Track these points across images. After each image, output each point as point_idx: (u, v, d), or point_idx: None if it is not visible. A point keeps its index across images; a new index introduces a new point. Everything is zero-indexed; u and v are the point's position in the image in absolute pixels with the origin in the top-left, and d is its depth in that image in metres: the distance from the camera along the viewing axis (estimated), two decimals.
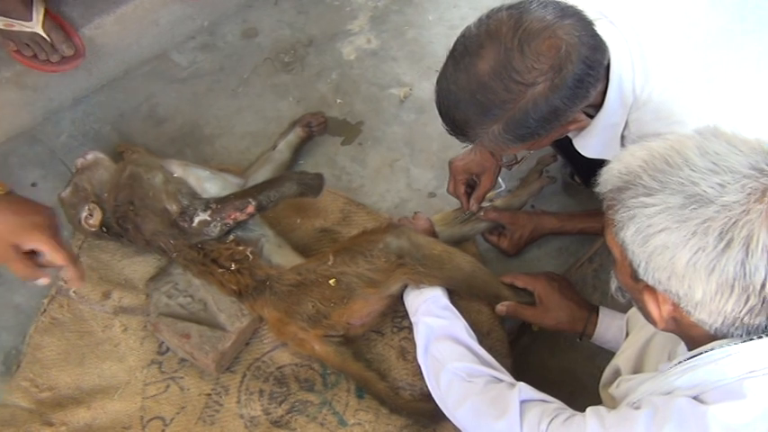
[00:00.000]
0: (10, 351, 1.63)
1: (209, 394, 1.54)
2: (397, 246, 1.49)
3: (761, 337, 0.93)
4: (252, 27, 2.18)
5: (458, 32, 2.09)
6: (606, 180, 0.99)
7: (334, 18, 2.20)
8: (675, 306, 0.94)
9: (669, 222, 0.88)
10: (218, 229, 1.54)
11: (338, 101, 2.04)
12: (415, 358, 1.52)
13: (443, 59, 2.04)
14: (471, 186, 1.69)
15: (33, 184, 1.86)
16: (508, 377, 1.29)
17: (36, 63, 1.77)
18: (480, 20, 1.17)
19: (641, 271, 0.94)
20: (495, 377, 1.28)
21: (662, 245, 0.89)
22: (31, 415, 1.52)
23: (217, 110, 2.01)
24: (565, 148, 1.55)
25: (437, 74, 2.02)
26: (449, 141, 1.27)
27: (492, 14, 1.16)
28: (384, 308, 1.54)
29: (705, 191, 0.87)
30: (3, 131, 1.90)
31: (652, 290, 0.95)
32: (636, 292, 1.01)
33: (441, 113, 1.23)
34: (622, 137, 1.33)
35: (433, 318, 1.41)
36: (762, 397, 0.92)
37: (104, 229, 1.63)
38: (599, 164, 1.42)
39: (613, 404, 1.18)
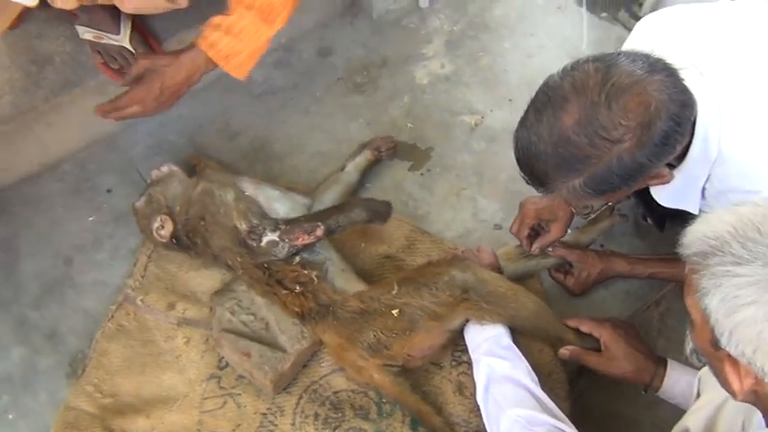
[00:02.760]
0: (77, 354, 1.67)
1: (265, 414, 1.55)
2: (461, 280, 1.48)
3: None
4: (327, 46, 2.20)
5: (534, 61, 2.14)
6: (691, 242, 0.95)
7: (408, 41, 2.21)
8: (758, 380, 0.90)
9: (759, 295, 0.85)
10: (286, 250, 1.56)
11: (409, 125, 2.04)
12: (472, 395, 1.51)
13: (517, 88, 2.08)
14: (535, 230, 1.67)
15: (109, 191, 1.91)
16: (570, 428, 1.26)
17: (121, 77, 1.82)
18: (565, 70, 1.14)
19: (724, 340, 0.90)
20: (557, 427, 1.25)
21: (750, 318, 0.86)
22: (93, 419, 1.56)
23: (288, 127, 2.03)
24: (638, 189, 1.51)
25: (510, 103, 2.06)
26: (518, 173, 1.25)
27: (577, 66, 1.13)
28: (445, 341, 1.54)
29: None
30: (83, 138, 1.96)
31: (734, 361, 0.92)
32: (715, 360, 0.97)
33: (519, 162, 1.21)
34: (703, 189, 1.29)
35: (495, 358, 1.39)
36: None
37: (174, 240, 1.67)
38: (673, 208, 1.39)
39: None
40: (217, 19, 1.56)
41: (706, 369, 1.31)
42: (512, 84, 2.10)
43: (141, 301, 1.71)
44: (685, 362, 1.23)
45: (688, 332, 1.04)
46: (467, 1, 2.28)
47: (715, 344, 0.93)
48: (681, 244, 0.97)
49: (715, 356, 0.96)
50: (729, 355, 0.92)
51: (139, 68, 1.58)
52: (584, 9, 2.21)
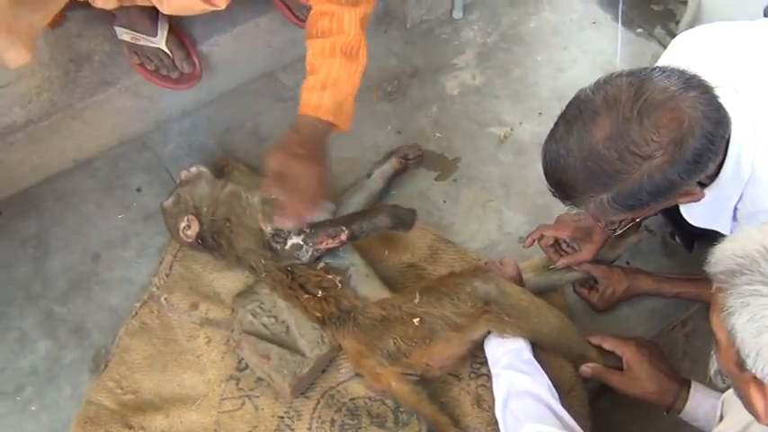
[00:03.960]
0: (100, 350, 1.69)
1: (282, 417, 1.56)
2: (484, 291, 1.47)
3: None
4: None
5: (565, 75, 2.13)
6: (718, 260, 0.93)
7: (441, 51, 2.21)
8: None
9: None
10: (310, 254, 1.56)
11: (437, 135, 2.03)
12: (490, 407, 1.49)
13: (548, 101, 2.07)
14: (559, 243, 1.67)
15: (138, 189, 1.94)
16: None
17: (156, 78, 1.86)
18: (597, 84, 1.13)
19: (750, 362, 0.88)
20: None
21: None
22: (112, 415, 1.58)
23: None
24: (668, 207, 1.49)
25: (540, 116, 2.05)
26: (545, 187, 1.24)
27: (610, 80, 1.12)
28: (465, 353, 1.53)
29: None
30: (116, 137, 1.99)
31: (760, 383, 0.90)
32: (739, 382, 0.95)
33: (546, 175, 1.20)
34: (735, 209, 1.27)
35: (515, 372, 1.38)
36: None
37: (200, 241, 1.68)
38: (702, 227, 1.37)
39: None
40: (308, 82, 1.52)
41: (730, 391, 1.28)
42: (542, 97, 2.09)
43: (165, 299, 1.73)
44: (710, 384, 1.20)
45: (713, 353, 1.02)
46: (501, 13, 2.28)
47: (740, 365, 0.91)
48: (708, 262, 0.96)
49: (740, 378, 0.94)
50: (755, 377, 0.90)
51: (274, 170, 1.49)
52: (619, 24, 2.20)
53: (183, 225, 1.68)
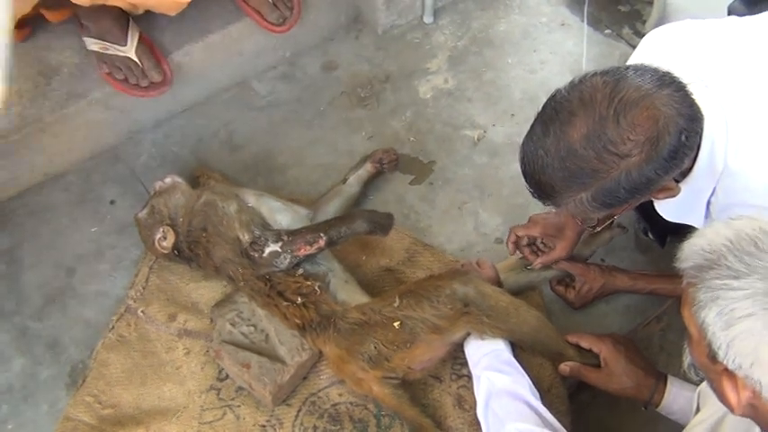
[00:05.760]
0: (77, 365, 1.67)
1: (264, 426, 1.55)
2: (463, 293, 1.48)
3: None
4: (332, 60, 2.21)
5: (536, 77, 2.15)
6: (688, 256, 0.95)
7: (412, 56, 2.22)
8: (756, 394, 0.90)
9: (756, 308, 0.85)
10: (288, 261, 1.56)
11: (411, 139, 2.04)
12: (471, 408, 1.50)
13: (519, 103, 2.09)
14: (536, 245, 1.68)
15: (112, 202, 1.92)
16: None
17: (125, 86, 1.84)
18: (572, 84, 1.14)
19: (721, 354, 0.90)
20: None
21: (746, 331, 0.86)
22: (92, 431, 1.56)
23: (291, 140, 2.04)
24: (640, 204, 1.52)
25: (512, 118, 2.08)
26: (520, 187, 1.25)
27: (585, 80, 1.13)
28: (445, 355, 1.54)
29: None
30: (88, 149, 1.97)
31: (731, 374, 0.92)
32: (712, 374, 0.97)
33: (525, 176, 1.21)
34: (708, 202, 1.29)
35: (495, 372, 1.38)
36: None
37: (176, 252, 1.67)
38: (675, 223, 1.39)
39: None
40: None
41: (705, 383, 1.31)
42: (514, 99, 2.11)
43: (142, 312, 1.71)
44: (684, 377, 1.22)
45: (686, 346, 1.04)
46: (471, 17, 2.30)
47: (712, 357, 0.93)
48: (678, 258, 0.97)
49: (712, 370, 0.96)
50: (727, 369, 0.92)
51: None
52: (584, 25, 2.22)
53: (158, 236, 1.66)
